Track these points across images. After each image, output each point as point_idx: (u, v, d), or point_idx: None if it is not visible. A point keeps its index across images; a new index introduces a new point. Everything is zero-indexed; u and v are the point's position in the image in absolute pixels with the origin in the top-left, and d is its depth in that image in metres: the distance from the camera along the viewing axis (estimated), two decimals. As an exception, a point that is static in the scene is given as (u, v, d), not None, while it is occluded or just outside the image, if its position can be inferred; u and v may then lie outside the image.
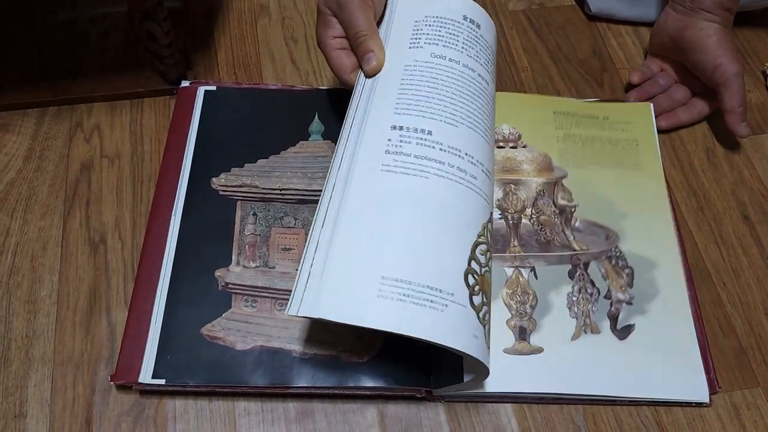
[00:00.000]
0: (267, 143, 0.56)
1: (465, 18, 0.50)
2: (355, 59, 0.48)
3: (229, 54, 0.65)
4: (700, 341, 0.49)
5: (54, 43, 0.63)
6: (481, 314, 0.40)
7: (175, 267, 0.50)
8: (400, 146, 0.43)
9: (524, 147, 0.57)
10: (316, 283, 0.39)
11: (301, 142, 0.56)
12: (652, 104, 0.61)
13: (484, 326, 0.40)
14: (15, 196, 0.55)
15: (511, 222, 0.54)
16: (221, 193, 0.53)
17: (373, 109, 0.46)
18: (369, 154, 0.43)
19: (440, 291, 0.39)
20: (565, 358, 0.48)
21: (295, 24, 0.68)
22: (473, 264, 0.41)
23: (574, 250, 0.53)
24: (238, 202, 0.53)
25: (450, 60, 0.48)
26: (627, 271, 0.52)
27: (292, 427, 0.46)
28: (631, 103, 0.62)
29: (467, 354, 0.38)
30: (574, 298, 0.51)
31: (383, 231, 0.40)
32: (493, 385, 0.46)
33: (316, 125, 0.57)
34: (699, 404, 0.48)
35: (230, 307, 0.49)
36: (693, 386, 0.48)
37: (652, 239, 0.53)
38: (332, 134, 0.57)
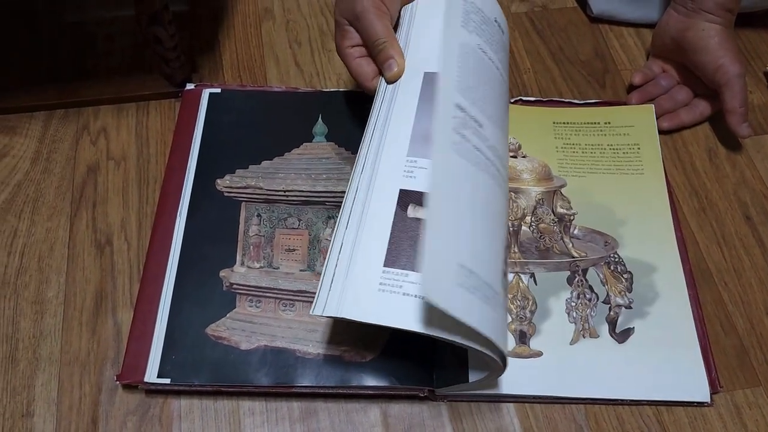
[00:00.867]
0: (271, 145, 0.56)
1: (496, 21, 0.50)
2: (375, 66, 0.49)
3: (234, 57, 0.65)
4: (701, 341, 0.50)
5: (61, 47, 0.64)
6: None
7: (180, 267, 0.50)
8: None
9: (524, 157, 0.58)
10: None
11: (304, 143, 0.57)
12: (653, 105, 0.61)
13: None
14: (22, 198, 0.55)
15: (511, 229, 0.54)
16: (226, 194, 0.54)
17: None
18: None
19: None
20: (564, 362, 0.48)
21: (299, 27, 0.68)
22: (503, 264, 0.41)
23: (573, 257, 0.53)
24: (243, 204, 0.53)
25: (489, 58, 0.48)
26: (626, 276, 0.52)
27: (296, 426, 0.47)
28: (633, 106, 0.62)
29: (499, 353, 0.38)
30: (573, 304, 0.51)
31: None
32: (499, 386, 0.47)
33: (320, 127, 0.58)
34: (700, 404, 0.48)
35: (235, 307, 0.49)
36: (694, 386, 0.48)
37: (651, 243, 0.54)
38: (336, 136, 0.57)
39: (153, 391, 0.47)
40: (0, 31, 0.64)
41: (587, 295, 0.51)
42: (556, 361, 0.48)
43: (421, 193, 0.42)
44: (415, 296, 0.38)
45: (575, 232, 0.55)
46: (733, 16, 0.59)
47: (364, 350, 0.47)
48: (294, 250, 0.52)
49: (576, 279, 0.52)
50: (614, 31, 0.70)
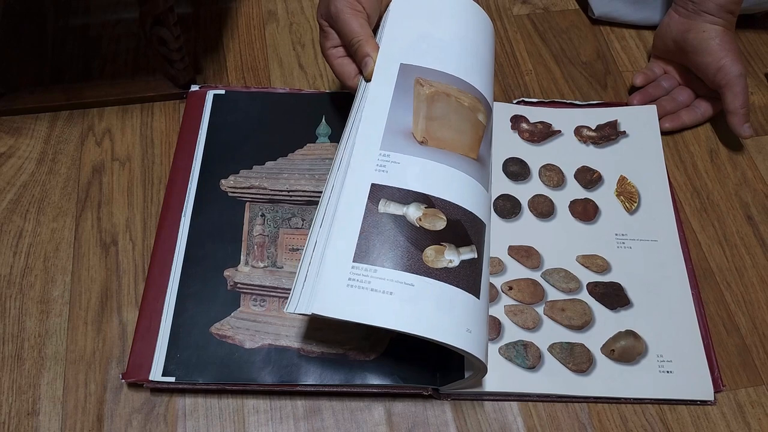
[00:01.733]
0: (275, 146, 0.57)
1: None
2: (356, 65, 0.50)
3: (238, 58, 0.66)
4: (704, 340, 0.50)
5: (66, 49, 0.64)
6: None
7: (185, 267, 0.50)
8: None
9: None
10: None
11: (308, 144, 0.57)
12: (655, 106, 0.62)
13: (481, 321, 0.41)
14: (28, 199, 0.56)
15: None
16: (230, 194, 0.54)
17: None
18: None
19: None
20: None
21: (302, 29, 0.69)
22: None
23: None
24: (247, 204, 0.54)
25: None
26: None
27: (300, 424, 0.47)
28: (635, 107, 0.62)
29: (462, 349, 0.39)
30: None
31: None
32: (496, 384, 0.47)
33: (323, 128, 0.58)
34: (704, 402, 0.48)
35: (239, 307, 0.49)
36: (697, 385, 0.48)
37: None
38: (339, 137, 0.57)
39: (158, 389, 0.47)
40: (6, 33, 0.65)
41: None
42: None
43: (392, 187, 0.42)
44: (383, 292, 0.38)
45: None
46: (734, 18, 0.59)
47: (368, 349, 0.47)
48: (298, 249, 0.52)
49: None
50: (615, 33, 0.70)
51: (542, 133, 0.60)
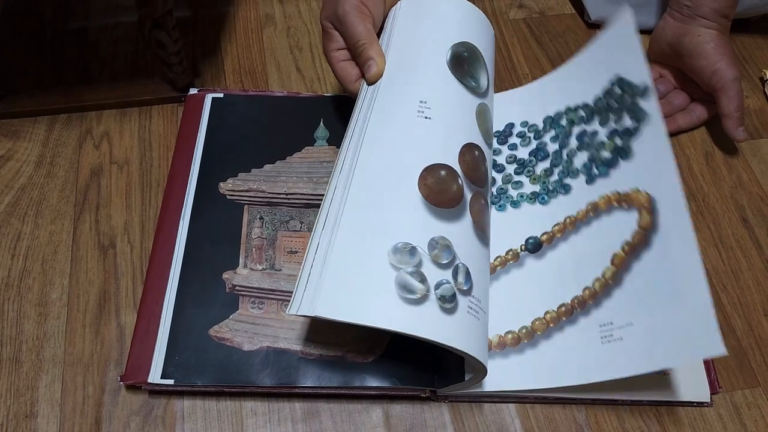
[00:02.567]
0: (273, 149, 0.57)
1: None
2: (359, 69, 0.50)
3: (236, 62, 0.66)
4: (700, 342, 0.50)
5: (65, 52, 0.64)
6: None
7: (183, 269, 0.51)
8: None
9: None
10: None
11: (306, 147, 0.57)
12: (651, 110, 0.62)
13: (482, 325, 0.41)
14: (26, 201, 0.56)
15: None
16: (229, 197, 0.54)
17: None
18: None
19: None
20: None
21: (300, 33, 0.69)
22: None
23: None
24: (246, 206, 0.54)
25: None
26: None
27: (299, 426, 0.47)
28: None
29: (463, 351, 0.39)
30: None
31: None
32: (494, 383, 0.47)
33: (322, 131, 0.58)
34: (700, 404, 0.48)
35: (237, 309, 0.49)
36: (694, 386, 0.48)
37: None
38: (337, 140, 0.58)
39: (156, 391, 0.47)
40: (5, 36, 0.65)
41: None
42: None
43: None
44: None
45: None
46: (729, 22, 0.60)
47: (366, 351, 0.47)
48: (296, 252, 0.52)
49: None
50: (612, 37, 0.70)
51: (539, 137, 0.60)
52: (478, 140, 0.48)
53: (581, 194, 0.51)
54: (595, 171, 0.50)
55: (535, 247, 0.51)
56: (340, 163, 0.45)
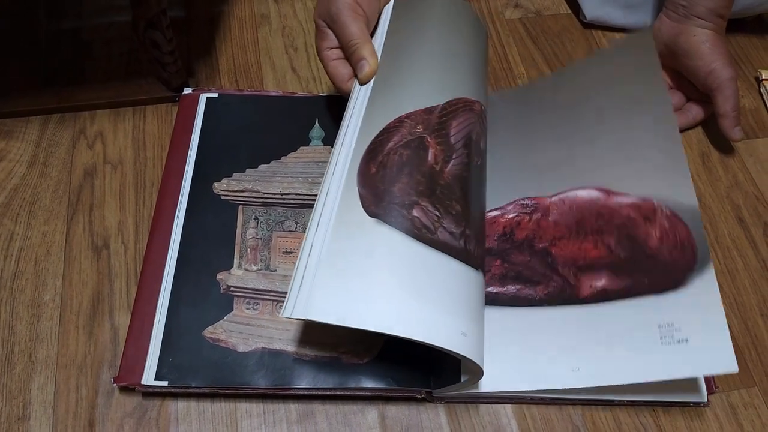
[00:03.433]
0: (268, 149, 0.57)
1: None
2: (351, 69, 0.50)
3: (231, 62, 0.66)
4: (697, 342, 0.50)
5: (58, 51, 0.64)
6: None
7: (177, 270, 0.50)
8: None
9: None
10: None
11: (301, 147, 0.57)
12: (647, 109, 0.62)
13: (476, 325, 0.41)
14: (19, 202, 0.55)
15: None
16: (223, 197, 0.54)
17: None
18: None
19: None
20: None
21: (295, 32, 0.69)
22: None
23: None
24: (240, 207, 0.54)
25: None
26: None
27: (294, 428, 0.47)
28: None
29: (458, 353, 0.38)
30: None
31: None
32: (491, 384, 0.47)
33: (317, 131, 0.58)
34: (697, 404, 0.48)
35: (232, 310, 0.49)
36: (690, 387, 0.48)
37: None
38: (332, 140, 0.57)
39: (150, 393, 0.47)
40: (-3, 36, 0.65)
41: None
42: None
43: None
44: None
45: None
46: (724, 22, 0.60)
47: (361, 352, 0.47)
48: (291, 252, 0.52)
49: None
50: (607, 37, 0.70)
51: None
52: None
53: None
54: None
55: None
56: (333, 163, 0.45)
